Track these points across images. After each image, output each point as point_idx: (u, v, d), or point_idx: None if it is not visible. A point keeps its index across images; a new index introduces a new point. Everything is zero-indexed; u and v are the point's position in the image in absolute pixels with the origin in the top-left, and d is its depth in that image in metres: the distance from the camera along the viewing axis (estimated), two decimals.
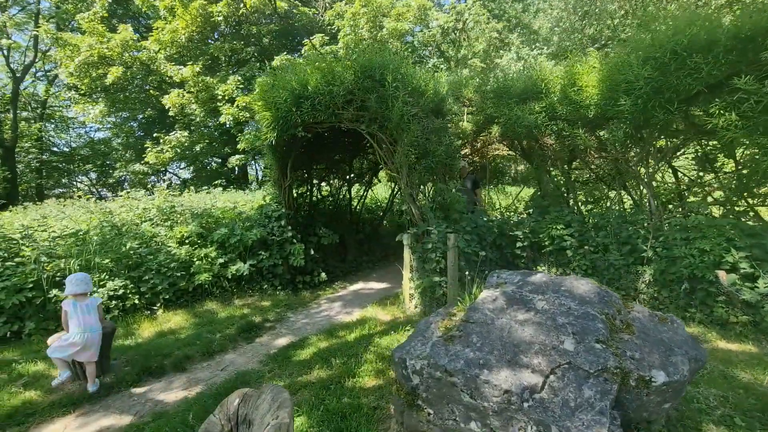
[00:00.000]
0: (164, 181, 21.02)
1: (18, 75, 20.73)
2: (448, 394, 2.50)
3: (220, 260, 6.24)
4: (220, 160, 20.06)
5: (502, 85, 7.03)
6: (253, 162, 22.24)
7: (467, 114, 7.67)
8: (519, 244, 6.26)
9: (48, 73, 22.94)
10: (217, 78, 15.27)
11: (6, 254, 5.33)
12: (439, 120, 6.12)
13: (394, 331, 4.59)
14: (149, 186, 17.45)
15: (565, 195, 7.54)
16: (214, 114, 15.45)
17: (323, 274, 7.05)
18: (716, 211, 5.91)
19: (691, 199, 6.77)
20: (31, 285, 5.05)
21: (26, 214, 8.30)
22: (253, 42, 18.02)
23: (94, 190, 23.39)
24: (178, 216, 7.48)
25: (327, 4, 18.90)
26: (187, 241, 6.45)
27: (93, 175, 24.63)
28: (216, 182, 11.27)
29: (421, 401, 2.64)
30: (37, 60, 21.25)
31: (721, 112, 4.51)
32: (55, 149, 24.03)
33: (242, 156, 15.54)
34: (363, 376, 3.66)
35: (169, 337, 4.88)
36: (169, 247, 6.23)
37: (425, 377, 2.59)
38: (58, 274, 5.30)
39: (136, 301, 5.51)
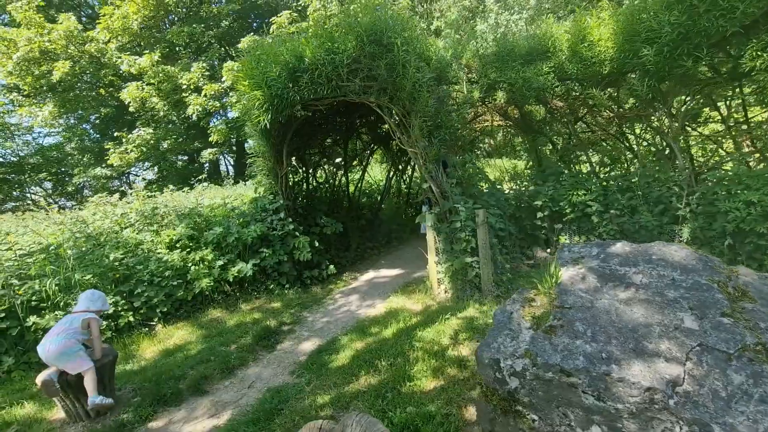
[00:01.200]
0: (128, 184, 19.59)
1: None
2: (560, 397, 2.09)
3: (219, 262, 5.60)
4: (186, 158, 18.79)
5: (503, 47, 6.56)
6: (221, 157, 21.08)
7: (466, 82, 7.18)
8: (539, 215, 5.93)
9: None
10: (178, 66, 14.04)
11: None
12: (443, 88, 5.64)
13: (434, 322, 4.16)
14: (113, 189, 16.17)
15: (565, 161, 7.21)
16: (179, 106, 14.26)
17: (332, 267, 6.51)
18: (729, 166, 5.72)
19: (699, 153, 6.60)
20: (2, 314, 4.30)
21: None
22: (212, 25, 16.69)
23: (51, 200, 21.55)
24: (161, 219, 6.73)
25: None
26: (178, 245, 5.75)
27: (48, 185, 22.67)
28: (200, 177, 10.37)
29: (521, 407, 2.23)
30: None
31: (758, 53, 4.23)
32: (0, 160, 21.88)
33: (215, 149, 14.51)
34: (419, 378, 3.23)
35: (178, 356, 4.28)
36: (159, 253, 5.53)
37: (528, 379, 2.17)
38: (34, 297, 4.56)
39: (131, 319, 4.84)
